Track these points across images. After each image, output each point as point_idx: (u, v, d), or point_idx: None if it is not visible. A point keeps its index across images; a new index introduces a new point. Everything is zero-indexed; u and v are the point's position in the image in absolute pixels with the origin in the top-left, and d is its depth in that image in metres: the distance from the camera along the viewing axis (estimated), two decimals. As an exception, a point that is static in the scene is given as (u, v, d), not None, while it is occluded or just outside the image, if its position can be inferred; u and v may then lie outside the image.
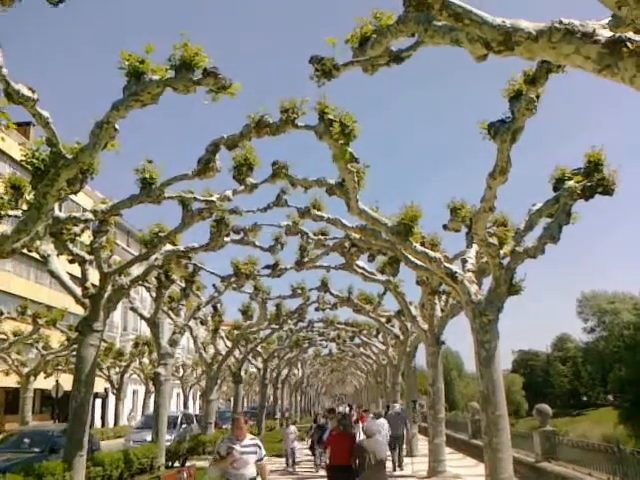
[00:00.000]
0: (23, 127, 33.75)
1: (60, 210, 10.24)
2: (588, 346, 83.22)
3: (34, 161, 8.53)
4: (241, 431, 6.75)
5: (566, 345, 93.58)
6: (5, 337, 25.17)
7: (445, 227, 12.71)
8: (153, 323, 16.66)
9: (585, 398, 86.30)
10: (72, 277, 13.18)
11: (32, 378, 26.80)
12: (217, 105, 7.79)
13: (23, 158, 8.82)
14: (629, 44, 4.20)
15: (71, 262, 12.76)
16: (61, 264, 12.81)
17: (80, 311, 13.57)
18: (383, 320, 23.86)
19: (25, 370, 26.80)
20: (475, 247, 11.36)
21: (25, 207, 9.69)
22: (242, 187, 10.97)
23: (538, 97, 8.13)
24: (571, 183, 10.34)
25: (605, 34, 4.33)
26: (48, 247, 12.44)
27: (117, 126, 7.61)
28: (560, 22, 4.45)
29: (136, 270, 13.34)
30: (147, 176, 10.24)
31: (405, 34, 5.96)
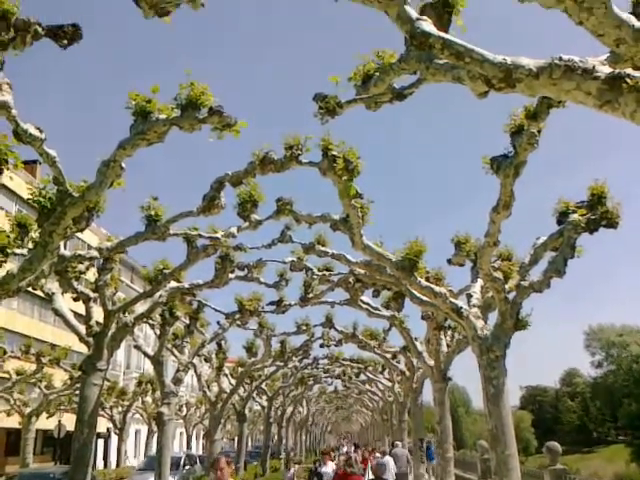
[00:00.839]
0: (30, 165, 34.17)
1: (65, 248, 10.29)
2: (597, 381, 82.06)
3: (41, 200, 8.61)
4: (222, 473, 5.83)
5: (574, 380, 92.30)
6: (8, 376, 24.97)
7: (449, 261, 12.69)
8: (157, 361, 16.51)
9: (595, 434, 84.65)
10: (76, 315, 13.15)
11: (34, 418, 26.48)
12: (222, 140, 7.87)
13: (30, 197, 8.91)
14: (628, 80, 4.25)
15: (75, 300, 12.75)
16: (65, 302, 12.80)
17: (84, 349, 13.50)
18: (389, 356, 23.62)
19: (27, 410, 26.51)
20: (480, 282, 11.33)
21: (31, 245, 9.74)
22: (247, 224, 11.02)
23: (540, 132, 8.21)
24: (575, 216, 10.36)
25: (605, 70, 4.39)
26: (53, 285, 12.45)
27: (124, 164, 7.70)
28: (560, 59, 4.51)
29: (140, 307, 13.30)
30: (152, 213, 10.32)
31: (407, 72, 6.06)
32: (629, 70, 4.29)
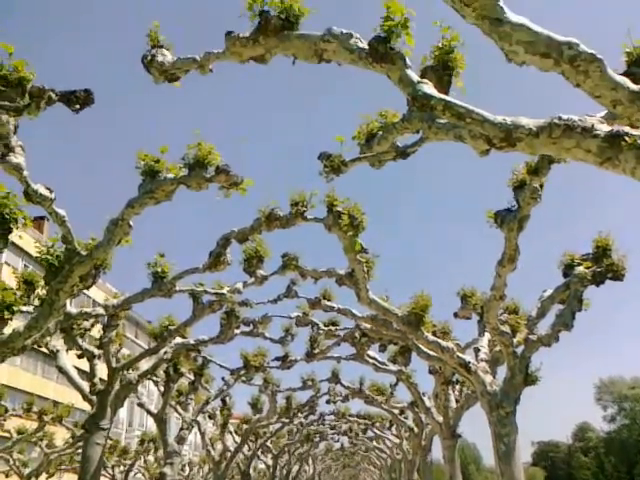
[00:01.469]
0: (37, 221, 34.56)
1: (71, 304, 10.30)
2: (610, 435, 79.77)
3: (48, 257, 8.68)
4: None
5: (587, 435, 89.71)
6: (9, 435, 24.50)
7: (456, 315, 12.62)
8: (160, 419, 16.22)
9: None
10: (79, 371, 13.03)
11: (33, 479, 25.82)
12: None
13: (38, 254, 8.99)
14: (627, 138, 4.34)
15: (80, 357, 12.67)
16: (69, 359, 12.71)
17: (87, 407, 13.31)
18: (396, 412, 23.16)
19: (26, 471, 25.87)
20: (487, 336, 11.25)
21: (37, 302, 9.76)
22: (252, 279, 11.07)
23: (542, 186, 8.33)
24: (581, 269, 10.38)
25: (603, 128, 4.49)
26: (57, 342, 12.39)
27: (132, 223, 7.80)
28: (559, 118, 4.62)
29: (145, 364, 13.20)
30: (159, 270, 10.37)
31: (410, 131, 6.22)
32: (627, 128, 4.40)
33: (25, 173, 6.83)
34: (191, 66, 5.64)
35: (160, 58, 5.60)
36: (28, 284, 10.34)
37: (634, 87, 3.99)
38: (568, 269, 10.65)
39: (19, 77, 6.02)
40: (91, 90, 5.71)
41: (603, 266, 10.26)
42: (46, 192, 7.21)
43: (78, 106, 5.69)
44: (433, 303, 10.91)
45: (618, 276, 10.23)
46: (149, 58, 5.62)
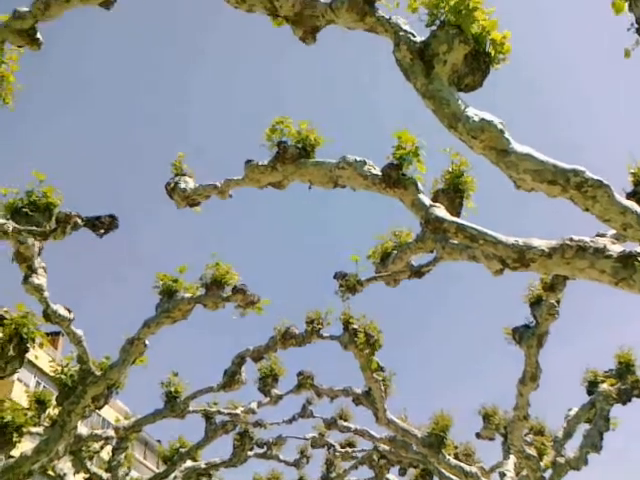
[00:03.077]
0: (52, 337, 34.49)
1: (81, 424, 10.07)
2: None
3: (62, 377, 8.62)
4: None
5: None
6: None
7: (478, 435, 12.12)
8: None
9: None
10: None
11: None
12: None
13: (52, 374, 8.95)
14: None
15: (87, 480, 12.17)
16: (76, 481, 12.20)
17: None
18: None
19: None
20: (512, 458, 10.70)
21: (47, 423, 9.57)
22: (267, 399, 10.85)
23: (559, 302, 8.28)
24: (605, 386, 10.07)
25: (616, 249, 4.54)
26: (65, 465, 11.96)
27: (147, 342, 7.81)
28: (571, 239, 4.69)
29: (154, 490, 12.61)
30: (172, 390, 10.21)
31: (424, 250, 6.33)
32: (639, 248, 4.45)
33: (46, 294, 6.97)
34: (212, 192, 5.89)
35: (183, 185, 5.88)
36: (40, 403, 10.20)
37: (642, 211, 4.09)
38: (592, 386, 10.35)
39: (47, 202, 6.32)
40: (115, 215, 5.96)
41: (628, 383, 9.95)
42: (65, 312, 7.32)
43: (102, 231, 5.93)
44: (454, 421, 10.53)
45: (645, 394, 9.89)
46: (172, 185, 5.91)
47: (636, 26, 3.84)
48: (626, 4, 3.85)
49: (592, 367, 10.60)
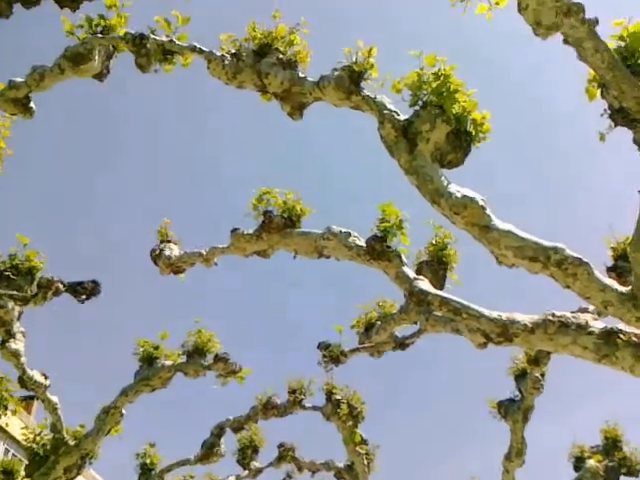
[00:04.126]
0: (26, 401, 33.39)
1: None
2: None
3: (34, 446, 8.30)
4: None
5: None
6: None
7: (465, 513, 11.73)
8: None
9: None
10: None
11: None
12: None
13: (23, 442, 8.62)
14: (622, 335, 4.40)
15: None
16: None
17: None
18: None
19: None
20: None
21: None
22: (246, 472, 10.45)
23: (543, 375, 8.23)
24: (592, 463, 9.86)
25: (598, 325, 4.56)
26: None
27: (124, 411, 7.59)
28: (553, 315, 4.71)
29: None
30: (147, 462, 9.83)
31: (408, 322, 6.31)
32: (621, 325, 4.47)
33: (23, 359, 6.82)
34: (197, 260, 5.90)
35: (167, 252, 5.89)
36: (7, 474, 9.78)
37: (622, 289, 4.13)
38: (579, 462, 10.13)
39: (30, 266, 6.27)
40: (98, 281, 5.93)
41: (615, 460, 9.77)
42: (41, 379, 7.14)
43: (84, 297, 5.87)
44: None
45: (633, 472, 9.69)
46: (157, 252, 5.92)
47: (609, 112, 4.00)
48: (598, 91, 4.03)
49: (579, 441, 10.40)
